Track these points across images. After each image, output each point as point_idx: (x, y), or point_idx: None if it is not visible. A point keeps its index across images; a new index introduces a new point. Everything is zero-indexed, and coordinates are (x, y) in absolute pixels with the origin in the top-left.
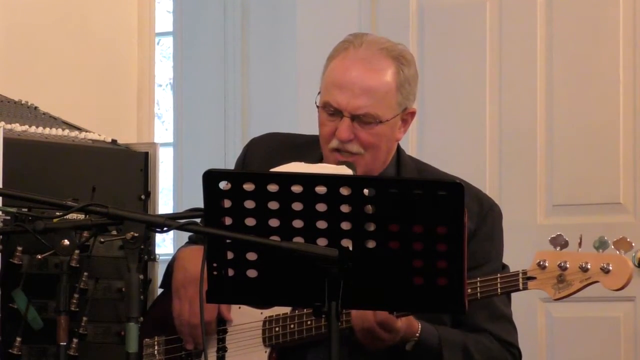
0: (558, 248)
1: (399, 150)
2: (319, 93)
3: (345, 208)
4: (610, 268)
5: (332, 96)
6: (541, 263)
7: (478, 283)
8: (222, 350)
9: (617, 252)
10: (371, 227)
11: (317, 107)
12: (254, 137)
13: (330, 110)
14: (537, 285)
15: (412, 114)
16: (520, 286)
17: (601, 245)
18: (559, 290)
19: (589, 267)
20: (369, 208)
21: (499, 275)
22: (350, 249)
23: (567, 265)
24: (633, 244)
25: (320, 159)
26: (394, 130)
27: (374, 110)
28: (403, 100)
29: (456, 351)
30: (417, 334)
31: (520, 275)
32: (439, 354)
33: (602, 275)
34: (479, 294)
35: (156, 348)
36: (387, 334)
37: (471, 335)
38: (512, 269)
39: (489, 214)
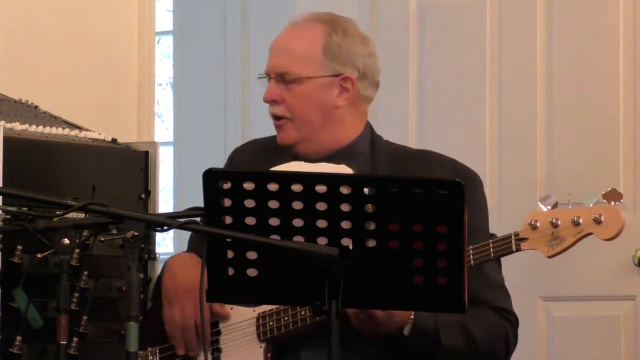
0: (548, 208)
1: (371, 129)
2: None
3: (345, 207)
4: (602, 219)
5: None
6: (532, 223)
7: (470, 250)
8: (216, 351)
9: (608, 204)
10: (371, 226)
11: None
12: (236, 147)
13: (265, 80)
14: (530, 245)
15: (349, 79)
16: (513, 248)
17: (591, 199)
18: (552, 247)
19: (580, 221)
20: (369, 207)
21: (490, 240)
22: (351, 248)
23: (559, 222)
24: (622, 194)
25: (295, 156)
26: (326, 95)
27: (292, 67)
28: (332, 64)
29: (454, 331)
30: (412, 317)
31: (513, 237)
32: (436, 336)
33: (594, 227)
34: (472, 260)
35: (150, 358)
36: (381, 311)
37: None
38: (514, 265)
39: (467, 183)
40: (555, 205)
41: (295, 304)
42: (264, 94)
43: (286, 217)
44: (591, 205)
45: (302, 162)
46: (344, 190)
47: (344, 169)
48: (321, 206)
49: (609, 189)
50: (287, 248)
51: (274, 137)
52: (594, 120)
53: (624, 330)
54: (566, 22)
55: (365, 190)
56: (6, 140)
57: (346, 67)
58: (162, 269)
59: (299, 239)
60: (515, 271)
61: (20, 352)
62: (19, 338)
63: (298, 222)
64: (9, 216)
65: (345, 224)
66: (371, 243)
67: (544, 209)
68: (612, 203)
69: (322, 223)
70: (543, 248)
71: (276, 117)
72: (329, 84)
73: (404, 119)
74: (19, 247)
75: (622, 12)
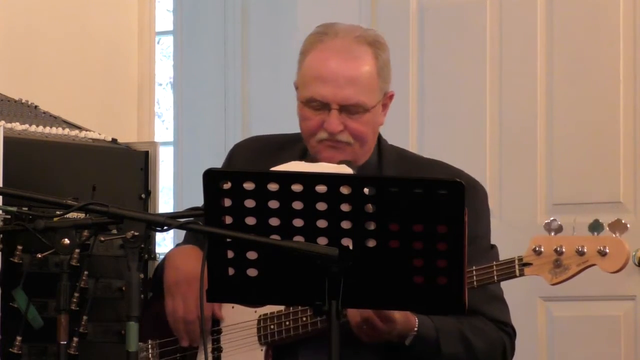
0: (552, 233)
1: (379, 137)
2: (297, 88)
3: (345, 207)
4: (607, 250)
5: (315, 90)
6: (537, 248)
7: (474, 272)
8: (217, 351)
9: (613, 235)
10: (371, 226)
11: (301, 102)
12: (237, 142)
13: (315, 105)
14: (534, 271)
15: (391, 97)
16: (517, 273)
17: (596, 228)
18: (555, 275)
19: (585, 250)
20: (369, 207)
21: (494, 263)
22: (351, 248)
23: (563, 250)
24: (628, 225)
25: (301, 154)
26: (377, 116)
27: (361, 99)
28: (383, 85)
29: (454, 340)
30: (416, 329)
31: (516, 262)
32: (436, 345)
33: (599, 258)
34: (475, 282)
35: (150, 352)
36: (383, 324)
37: (465, 320)
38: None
39: (472, 193)
40: (559, 230)
41: (296, 304)
42: (327, 125)
43: (286, 217)
44: (596, 234)
45: (302, 162)
46: (344, 190)
47: (344, 169)
48: (321, 206)
49: (615, 219)
50: (287, 248)
51: (278, 135)
52: (594, 120)
53: (624, 330)
54: (566, 22)
55: (366, 190)
56: (6, 140)
57: (388, 85)
58: (162, 260)
59: (299, 239)
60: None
61: (20, 352)
62: (19, 338)
63: (298, 222)
64: (9, 216)
65: (346, 224)
66: (371, 243)
67: (549, 234)
68: (617, 234)
69: (322, 223)
70: (547, 275)
71: (340, 143)
72: (381, 105)
73: (404, 119)
74: (19, 247)
75: (622, 13)
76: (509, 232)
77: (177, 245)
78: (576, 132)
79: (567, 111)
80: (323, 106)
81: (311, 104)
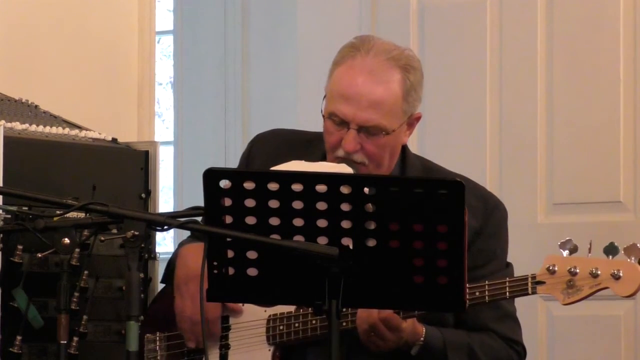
0: (567, 252)
1: (404, 148)
2: (325, 97)
3: (345, 206)
4: (621, 274)
5: (337, 107)
6: (550, 268)
7: (487, 287)
8: (225, 348)
9: (628, 259)
10: (371, 225)
11: (324, 114)
12: (259, 133)
13: (336, 120)
14: (547, 290)
15: (418, 118)
16: (530, 291)
17: (611, 251)
18: (568, 295)
19: (599, 273)
20: (370, 206)
21: (507, 279)
22: (351, 247)
23: (577, 271)
24: None
25: (323, 155)
26: (400, 137)
27: (381, 122)
28: (409, 108)
29: (461, 353)
30: (422, 338)
31: (530, 279)
32: (444, 356)
33: (612, 282)
34: (487, 297)
35: (158, 344)
36: (391, 333)
37: (475, 335)
38: (514, 264)
39: (494, 212)
40: (574, 250)
41: (296, 304)
42: (344, 143)
43: (286, 216)
44: (611, 257)
45: (303, 162)
46: (344, 189)
47: (344, 169)
48: (321, 206)
49: (631, 243)
50: (288, 247)
51: (301, 132)
52: (594, 120)
53: (624, 330)
54: (566, 22)
55: (366, 189)
56: (6, 140)
57: (416, 107)
58: (175, 253)
59: (299, 238)
60: (515, 271)
61: (20, 351)
62: (19, 338)
63: (298, 222)
64: (9, 216)
65: (346, 224)
66: (371, 242)
67: (563, 254)
68: (632, 259)
69: (322, 222)
70: (559, 295)
71: (354, 163)
72: (405, 127)
73: None
74: (20, 247)
75: (622, 13)
76: (509, 231)
77: (189, 237)
78: (576, 132)
79: (567, 111)
80: (343, 123)
81: (332, 118)
